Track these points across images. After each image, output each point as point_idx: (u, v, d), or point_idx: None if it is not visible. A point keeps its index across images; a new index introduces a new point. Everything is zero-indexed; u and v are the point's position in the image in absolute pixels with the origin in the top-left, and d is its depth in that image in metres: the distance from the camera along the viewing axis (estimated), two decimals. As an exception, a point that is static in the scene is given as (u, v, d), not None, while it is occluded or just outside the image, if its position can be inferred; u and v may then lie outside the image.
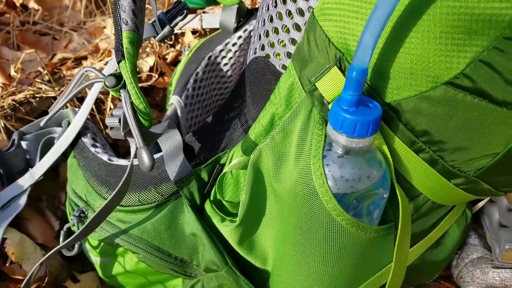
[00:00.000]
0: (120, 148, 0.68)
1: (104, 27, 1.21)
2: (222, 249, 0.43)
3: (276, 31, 0.38)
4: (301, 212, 0.34)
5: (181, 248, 0.45)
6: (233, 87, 0.66)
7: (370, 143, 0.31)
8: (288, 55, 0.38)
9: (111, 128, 0.36)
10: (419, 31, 0.27)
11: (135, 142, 0.33)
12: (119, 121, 0.34)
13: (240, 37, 0.68)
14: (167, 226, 0.44)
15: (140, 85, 0.78)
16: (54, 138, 0.54)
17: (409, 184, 0.35)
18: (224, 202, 0.39)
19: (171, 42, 0.92)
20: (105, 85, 0.34)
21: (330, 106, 0.34)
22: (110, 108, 0.69)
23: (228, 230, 0.40)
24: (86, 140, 0.49)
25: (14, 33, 1.20)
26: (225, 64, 0.70)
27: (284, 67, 0.39)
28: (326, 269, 0.35)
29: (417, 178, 0.34)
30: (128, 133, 0.35)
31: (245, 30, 0.67)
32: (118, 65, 0.34)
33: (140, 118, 0.34)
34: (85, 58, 1.04)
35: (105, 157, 0.47)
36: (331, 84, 0.33)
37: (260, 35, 0.40)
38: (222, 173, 0.41)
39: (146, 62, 0.88)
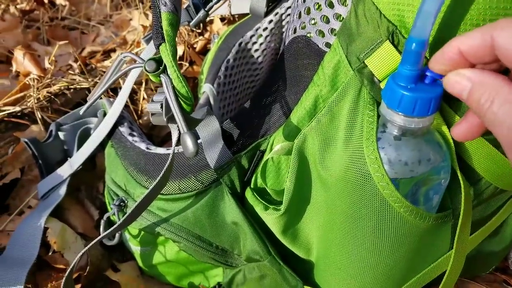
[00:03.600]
0: (154, 138, 0.67)
1: (131, 19, 1.22)
2: (265, 238, 0.42)
3: (318, 7, 0.36)
4: (352, 200, 0.32)
5: (222, 237, 0.44)
6: (271, 70, 0.64)
7: (430, 123, 0.28)
8: (332, 31, 0.35)
9: (152, 114, 0.35)
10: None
11: (179, 128, 0.32)
12: (161, 107, 0.33)
13: (271, 21, 0.66)
14: (208, 215, 0.43)
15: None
16: (90, 128, 0.54)
17: (470, 168, 0.32)
18: (268, 190, 0.38)
19: (199, 31, 0.90)
20: (145, 70, 0.33)
21: (381, 85, 0.32)
22: (144, 98, 0.68)
23: (272, 218, 0.39)
24: (123, 129, 0.49)
25: (44, 29, 1.22)
26: (256, 50, 0.68)
27: (328, 45, 0.37)
28: (380, 259, 0.33)
29: (479, 161, 0.31)
30: (170, 118, 0.33)
31: (276, 14, 0.65)
32: (158, 48, 0.33)
33: (182, 103, 0.33)
34: (114, 50, 1.04)
35: (143, 146, 0.47)
36: (383, 61, 0.31)
37: (300, 13, 0.38)
38: (264, 159, 0.39)
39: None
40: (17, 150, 0.56)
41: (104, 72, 0.69)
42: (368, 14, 0.30)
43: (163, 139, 0.67)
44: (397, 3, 0.28)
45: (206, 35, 0.91)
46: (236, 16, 0.83)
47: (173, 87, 0.33)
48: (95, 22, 1.27)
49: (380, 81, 0.32)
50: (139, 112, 0.68)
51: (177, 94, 0.33)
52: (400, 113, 0.28)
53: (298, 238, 0.41)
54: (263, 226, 0.42)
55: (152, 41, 0.47)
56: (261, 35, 0.66)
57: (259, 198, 0.40)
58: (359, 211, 0.32)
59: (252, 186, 0.42)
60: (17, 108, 0.59)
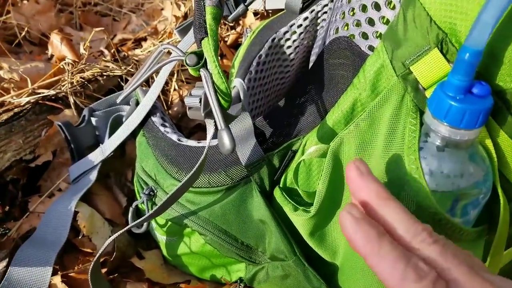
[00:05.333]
0: (183, 129, 0.68)
1: (162, 9, 1.22)
2: (291, 239, 0.42)
3: (364, 8, 0.36)
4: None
5: (248, 234, 0.44)
6: (308, 69, 0.63)
7: (476, 136, 0.27)
8: (377, 35, 0.35)
9: (190, 108, 0.35)
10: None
11: (216, 124, 0.32)
12: (200, 101, 0.33)
13: (306, 18, 0.65)
14: (236, 211, 0.43)
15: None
16: (122, 116, 0.55)
17: (510, 184, 0.31)
18: (300, 192, 0.38)
19: (231, 24, 0.90)
20: (186, 63, 0.33)
21: (426, 93, 0.31)
22: (175, 89, 0.69)
23: (301, 220, 0.39)
24: (156, 120, 0.49)
25: (77, 14, 1.23)
26: (289, 47, 0.68)
27: (371, 48, 0.36)
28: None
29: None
30: (208, 113, 0.33)
31: (312, 11, 0.64)
32: (200, 42, 0.33)
33: (220, 98, 0.33)
34: (145, 39, 1.05)
35: (174, 137, 0.47)
36: (430, 68, 0.30)
37: (344, 13, 0.38)
38: (296, 160, 0.39)
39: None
40: (50, 133, 0.57)
41: (137, 60, 0.70)
42: (418, 20, 0.29)
43: (191, 131, 0.67)
44: (449, 10, 0.28)
45: (238, 29, 0.90)
46: (270, 11, 0.82)
47: (213, 83, 0.33)
48: (127, 10, 1.29)
49: (425, 89, 0.31)
50: (169, 103, 0.68)
51: (216, 90, 0.33)
52: (446, 124, 0.27)
53: (325, 241, 0.40)
54: (289, 226, 0.42)
55: (188, 34, 0.47)
56: (295, 32, 0.65)
57: (288, 198, 0.40)
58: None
59: (281, 185, 0.42)
60: (52, 92, 0.60)
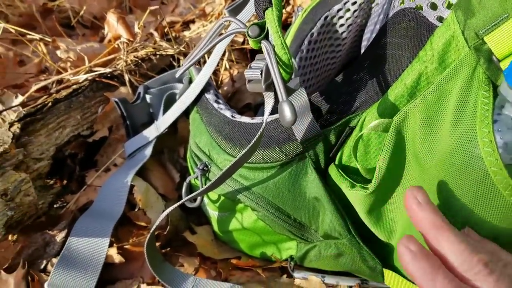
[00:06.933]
0: (232, 108, 0.68)
1: (210, -9, 1.22)
2: (346, 217, 0.41)
3: (433, -22, 0.34)
4: (454, 184, 0.30)
5: (301, 211, 0.43)
6: (363, 46, 0.62)
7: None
8: (447, 5, 0.33)
9: (249, 81, 0.35)
10: None
11: (278, 95, 0.32)
12: (261, 73, 0.33)
13: (361, -5, 0.63)
14: (289, 187, 0.42)
15: (249, 47, 0.78)
16: (175, 93, 0.56)
17: None
18: (359, 167, 0.37)
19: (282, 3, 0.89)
20: (248, 35, 0.33)
21: (501, 64, 0.29)
22: (225, 69, 0.69)
23: (358, 197, 0.38)
24: (210, 96, 0.50)
25: (127, -3, 1.26)
26: (341, 25, 0.66)
27: (440, 19, 0.34)
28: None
29: None
30: (268, 86, 0.33)
31: (367, -12, 0.62)
32: (263, 13, 0.32)
33: (281, 70, 0.33)
34: (193, 21, 1.06)
35: (228, 114, 0.47)
36: (507, 38, 0.28)
37: (410, -16, 0.36)
38: (354, 136, 0.38)
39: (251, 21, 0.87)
40: (107, 109, 0.59)
41: (187, 40, 0.71)
42: (496, -15, 0.27)
43: (240, 111, 0.68)
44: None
45: (288, 8, 0.89)
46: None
47: (275, 54, 0.32)
48: (175, -7, 1.30)
49: (499, 61, 0.29)
50: (219, 82, 0.68)
51: (278, 61, 0.32)
52: (527, 95, 0.25)
53: (382, 220, 0.39)
54: (343, 204, 0.41)
55: (245, 9, 0.47)
56: (349, 9, 0.63)
57: (344, 175, 0.39)
58: (461, 197, 0.30)
59: (336, 162, 0.41)
60: (108, 70, 0.62)
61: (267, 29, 0.33)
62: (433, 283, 0.25)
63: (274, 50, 0.32)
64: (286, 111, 0.31)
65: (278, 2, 0.31)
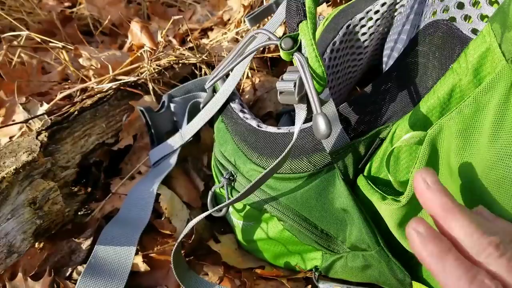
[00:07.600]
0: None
1: (227, -1, 1.23)
2: (375, 229, 0.41)
3: (467, -11, 0.33)
4: (491, 198, 0.30)
5: (328, 222, 0.43)
6: (400, 53, 0.61)
7: None
8: (482, 17, 0.33)
9: (281, 92, 0.35)
10: None
11: (312, 107, 0.31)
12: (294, 85, 0.33)
13: (384, 4, 0.63)
14: (317, 198, 0.42)
15: (269, 55, 0.78)
16: (199, 102, 0.56)
17: None
18: (391, 179, 0.37)
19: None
20: (281, 47, 0.33)
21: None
22: (247, 77, 0.69)
23: (389, 209, 0.38)
24: (235, 106, 0.50)
25: (145, 4, 1.27)
26: (363, 34, 0.66)
27: (475, 31, 0.34)
28: None
29: None
30: (301, 98, 0.33)
31: (389, -4, 0.62)
32: (297, 26, 0.32)
33: (315, 83, 0.33)
34: (211, 29, 1.07)
35: (254, 123, 0.47)
36: (547, 52, 0.28)
37: (442, -4, 0.36)
38: (387, 148, 0.38)
39: (276, 33, 0.87)
40: (132, 118, 0.59)
41: (209, 49, 0.71)
42: (537, -3, 0.27)
43: (262, 119, 0.68)
44: None
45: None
46: (343, -2, 0.80)
47: (309, 66, 0.32)
48: (192, 0, 1.31)
49: (538, 74, 0.29)
50: (241, 91, 0.69)
51: (312, 74, 0.32)
52: None
53: (412, 232, 0.39)
54: (372, 216, 0.41)
55: (273, 17, 0.47)
56: (371, 18, 0.63)
57: (374, 187, 0.39)
58: (498, 211, 0.30)
59: (365, 173, 0.41)
60: (132, 78, 0.63)
61: (300, 41, 0.33)
62: (442, 266, 0.24)
63: (308, 63, 0.32)
64: (321, 124, 0.31)
65: (312, 16, 0.31)
